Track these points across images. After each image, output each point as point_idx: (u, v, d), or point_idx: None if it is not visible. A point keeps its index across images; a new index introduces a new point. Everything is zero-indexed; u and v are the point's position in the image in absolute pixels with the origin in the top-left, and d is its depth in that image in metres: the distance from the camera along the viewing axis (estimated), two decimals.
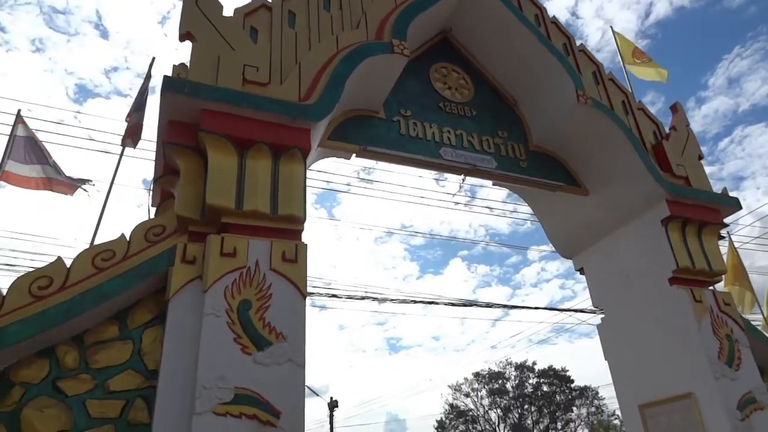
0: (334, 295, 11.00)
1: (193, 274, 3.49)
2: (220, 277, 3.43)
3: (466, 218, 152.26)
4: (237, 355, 3.31)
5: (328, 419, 24.46)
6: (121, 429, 3.23)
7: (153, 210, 4.31)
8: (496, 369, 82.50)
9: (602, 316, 6.12)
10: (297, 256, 3.72)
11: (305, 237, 3.92)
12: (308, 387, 25.39)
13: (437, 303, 12.36)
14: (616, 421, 60.31)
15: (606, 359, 5.98)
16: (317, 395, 25.50)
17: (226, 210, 3.60)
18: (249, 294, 3.47)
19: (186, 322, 3.36)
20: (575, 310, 14.16)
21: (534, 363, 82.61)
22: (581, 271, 6.56)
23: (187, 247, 3.56)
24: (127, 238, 3.58)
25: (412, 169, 5.38)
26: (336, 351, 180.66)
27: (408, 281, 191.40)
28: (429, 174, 13.56)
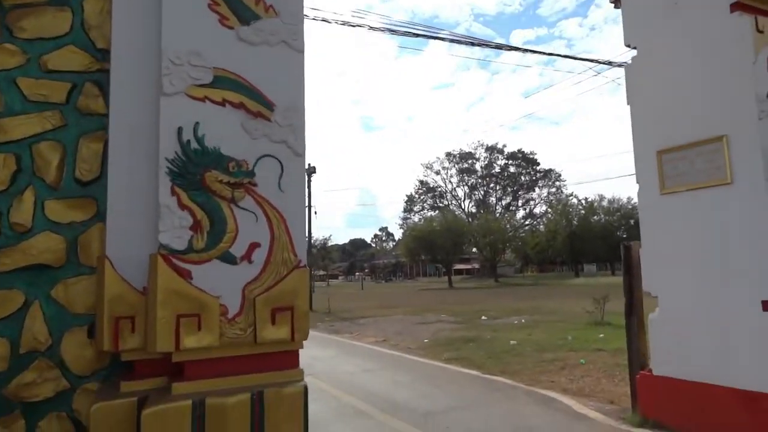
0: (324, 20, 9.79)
1: None
2: None
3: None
4: (214, 28, 2.49)
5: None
6: (72, 118, 2.53)
7: None
8: (467, 149, 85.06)
9: (633, 54, 5.39)
10: None
11: None
12: None
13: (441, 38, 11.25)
14: (574, 200, 65.16)
15: (629, 103, 5.41)
16: None
17: None
18: None
19: None
20: (595, 61, 13.44)
21: (504, 146, 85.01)
22: (616, 2, 5.60)
23: None
24: None
25: None
26: (313, 126, 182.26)
27: (387, 60, 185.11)
28: None
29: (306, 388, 2.45)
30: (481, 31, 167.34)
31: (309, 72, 2.82)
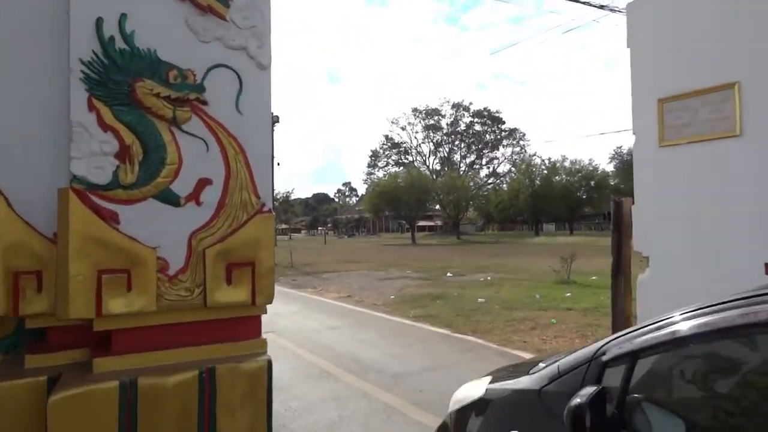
0: None
1: None
2: None
3: None
4: None
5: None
6: None
7: None
8: (433, 106, 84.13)
9: None
10: None
11: None
12: None
13: None
14: (537, 160, 65.62)
15: (628, 46, 4.94)
16: None
17: None
18: None
19: None
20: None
21: (470, 103, 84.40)
22: None
23: None
24: None
25: None
26: (277, 77, 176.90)
27: (356, 10, 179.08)
28: None
29: (270, 363, 1.95)
30: None
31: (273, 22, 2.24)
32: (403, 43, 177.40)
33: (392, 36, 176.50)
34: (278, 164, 24.48)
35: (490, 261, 23.49)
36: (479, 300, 10.97)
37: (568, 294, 11.49)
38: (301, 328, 8.77)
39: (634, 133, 4.92)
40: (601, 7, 19.34)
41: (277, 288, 15.16)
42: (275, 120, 23.83)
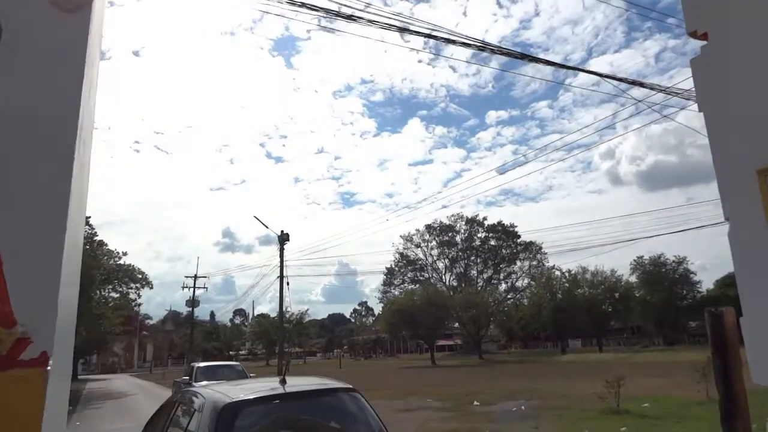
0: None
1: None
2: None
3: (428, 78, 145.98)
4: None
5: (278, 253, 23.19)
6: None
7: None
8: (447, 222, 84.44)
9: (702, 44, 3.92)
10: None
11: None
12: (257, 219, 23.71)
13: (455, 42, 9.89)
14: (557, 272, 63.78)
15: (701, 109, 3.88)
16: (266, 227, 23.98)
17: None
18: None
19: None
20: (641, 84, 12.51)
21: (484, 218, 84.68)
22: None
23: None
24: None
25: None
26: (291, 203, 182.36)
27: (365, 138, 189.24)
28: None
29: None
30: (456, 112, 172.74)
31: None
32: (411, 165, 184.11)
33: (402, 159, 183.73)
34: (288, 284, 23.29)
35: (519, 384, 21.20)
36: None
37: (623, 429, 9.55)
38: None
39: (726, 218, 3.69)
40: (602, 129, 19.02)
41: None
42: (285, 238, 23.02)
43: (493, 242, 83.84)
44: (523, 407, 13.63)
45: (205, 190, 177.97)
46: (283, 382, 4.14)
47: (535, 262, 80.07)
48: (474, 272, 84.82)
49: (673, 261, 57.23)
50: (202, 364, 17.37)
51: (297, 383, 4.49)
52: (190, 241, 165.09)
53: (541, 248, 77.56)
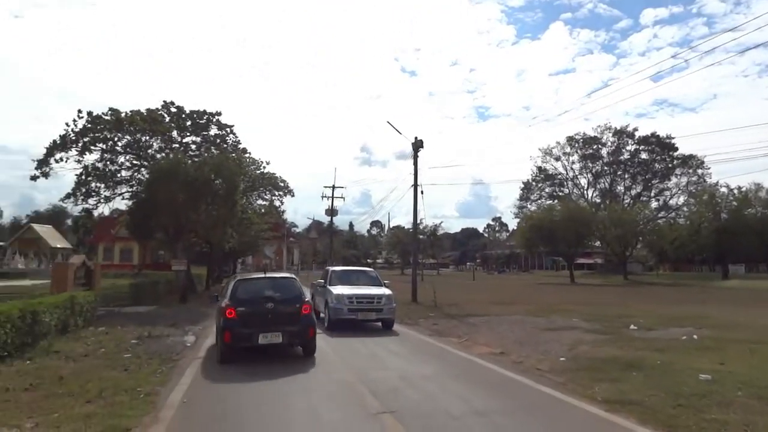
0: None
1: None
2: None
3: None
4: None
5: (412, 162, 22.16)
6: None
7: None
8: (592, 134, 77.34)
9: None
10: None
11: None
12: (390, 124, 22.64)
13: None
14: (723, 189, 55.92)
15: None
16: (400, 133, 22.91)
17: None
18: None
19: None
20: None
21: (635, 129, 76.20)
22: None
23: None
24: None
25: None
26: (425, 117, 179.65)
27: (502, 47, 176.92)
28: None
29: None
30: (606, 12, 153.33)
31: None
32: (552, 75, 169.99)
33: (542, 69, 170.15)
34: (422, 192, 22.32)
35: (681, 310, 18.75)
36: (701, 377, 7.36)
37: None
38: (433, 410, 6.06)
39: None
40: None
41: (415, 335, 12.15)
42: (419, 144, 21.82)
43: (644, 155, 75.71)
44: (695, 336, 11.61)
45: (342, 106, 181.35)
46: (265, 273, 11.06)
47: (695, 178, 71.27)
48: (620, 188, 77.95)
49: None
50: (337, 268, 17.35)
51: (272, 275, 11.05)
52: (330, 154, 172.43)
53: (703, 162, 68.37)
